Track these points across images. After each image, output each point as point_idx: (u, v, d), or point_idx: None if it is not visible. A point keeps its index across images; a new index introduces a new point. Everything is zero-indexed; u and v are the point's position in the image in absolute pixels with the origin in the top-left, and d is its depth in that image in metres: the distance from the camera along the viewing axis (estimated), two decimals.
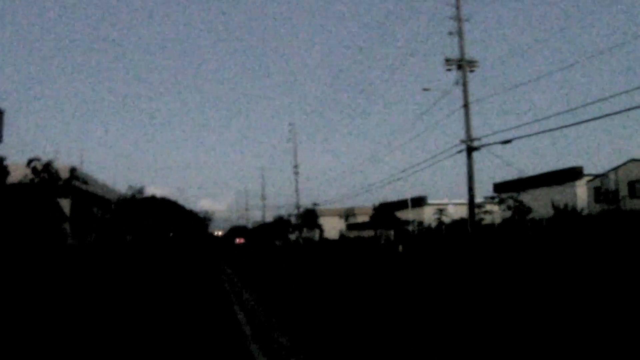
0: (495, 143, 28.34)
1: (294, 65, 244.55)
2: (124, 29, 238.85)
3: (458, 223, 42.38)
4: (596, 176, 48.90)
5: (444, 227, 47.27)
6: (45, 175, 31.73)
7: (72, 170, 34.88)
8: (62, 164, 47.11)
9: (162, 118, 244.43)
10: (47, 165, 32.47)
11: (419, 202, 71.08)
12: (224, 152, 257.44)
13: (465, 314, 10.57)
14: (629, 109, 19.00)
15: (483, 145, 29.39)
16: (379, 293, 14.49)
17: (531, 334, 8.23)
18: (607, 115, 20.24)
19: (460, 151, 30.08)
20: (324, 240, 73.08)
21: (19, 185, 30.49)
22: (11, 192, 28.57)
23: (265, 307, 11.78)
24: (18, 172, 32.07)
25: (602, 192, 46.30)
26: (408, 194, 69.57)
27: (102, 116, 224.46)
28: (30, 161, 32.16)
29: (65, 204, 44.20)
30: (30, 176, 31.69)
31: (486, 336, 8.23)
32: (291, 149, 76.50)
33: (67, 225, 43.89)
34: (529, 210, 35.63)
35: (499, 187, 55.01)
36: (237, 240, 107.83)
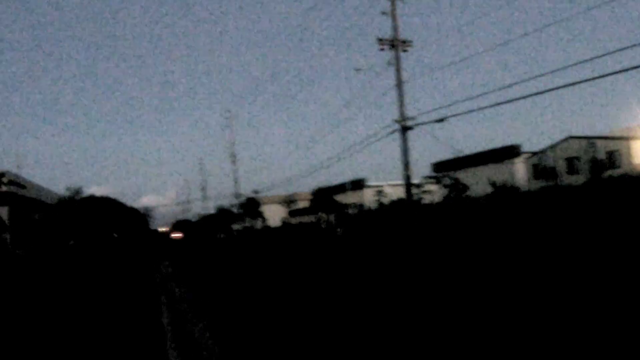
0: (429, 122, 28.00)
1: (226, 51, 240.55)
2: (42, 25, 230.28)
3: (397, 203, 42.04)
4: (534, 153, 49.46)
5: (383, 209, 46.92)
6: None
7: (1, 175, 32.59)
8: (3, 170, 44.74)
9: (99, 116, 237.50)
10: None
11: (358, 185, 70.74)
12: (163, 146, 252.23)
13: (392, 285, 9.96)
14: (561, 87, 18.69)
15: (417, 124, 29.08)
16: (310, 270, 13.81)
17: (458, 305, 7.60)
18: (539, 92, 19.98)
19: (394, 131, 29.64)
20: (266, 229, 72.10)
21: None
22: None
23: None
24: None
25: (540, 169, 46.89)
26: (347, 177, 69.26)
27: (35, 119, 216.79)
28: None
29: (3, 211, 42.05)
30: None
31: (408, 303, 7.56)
32: (229, 137, 75.01)
33: (7, 235, 41.63)
34: (465, 188, 35.50)
35: (438, 167, 54.93)
36: (174, 236, 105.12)
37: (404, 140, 29.45)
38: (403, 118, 29.34)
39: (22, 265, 32.40)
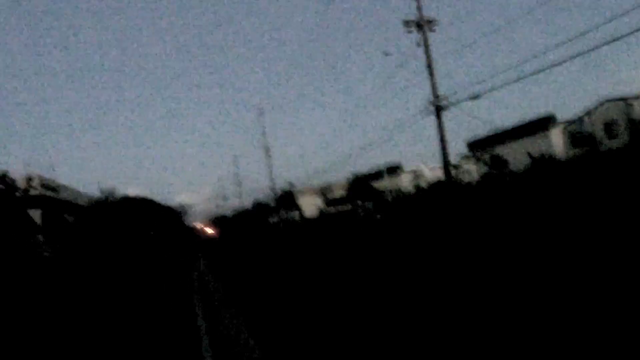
0: (463, 100, 27.58)
1: (255, 44, 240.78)
2: (71, 29, 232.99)
3: (435, 186, 41.58)
4: (571, 122, 48.35)
5: (421, 192, 46.49)
6: (1, 187, 29.99)
7: (29, 179, 32.88)
8: (34, 173, 45.30)
9: (133, 118, 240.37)
10: (3, 177, 30.59)
11: (394, 170, 70.19)
12: (197, 143, 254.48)
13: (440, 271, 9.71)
14: (589, 51, 18.11)
15: (451, 104, 28.65)
16: (350, 259, 13.61)
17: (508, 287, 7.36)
18: (572, 58, 19.39)
19: (428, 112, 29.26)
20: (304, 220, 72.09)
21: None
22: None
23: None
24: None
25: (578, 136, 45.78)
26: (382, 164, 68.79)
27: (68, 121, 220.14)
28: None
29: (35, 214, 42.63)
30: None
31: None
32: (261, 133, 75.06)
33: (40, 237, 42.19)
34: (505, 163, 34.92)
35: (474, 145, 54.11)
36: (209, 232, 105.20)
37: (439, 121, 29.07)
38: (436, 98, 28.94)
39: (52, 267, 32.91)
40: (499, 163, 34.59)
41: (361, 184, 57.52)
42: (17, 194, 30.82)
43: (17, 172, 41.83)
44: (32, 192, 39.94)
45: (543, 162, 33.54)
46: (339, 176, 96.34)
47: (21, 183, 32.16)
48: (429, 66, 29.81)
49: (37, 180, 44.67)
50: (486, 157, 35.68)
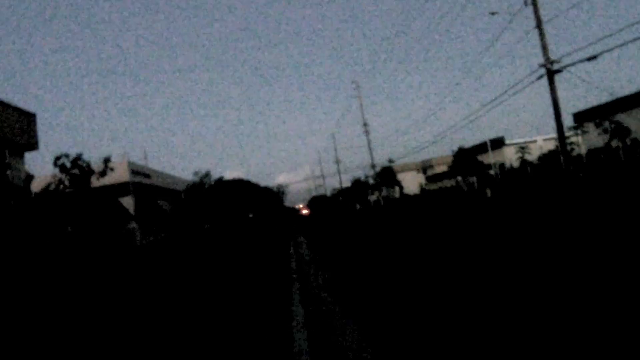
0: (579, 62, 24.60)
1: (347, 21, 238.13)
2: (160, 24, 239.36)
3: (544, 159, 38.32)
4: None
5: (528, 166, 43.21)
6: (76, 171, 29.36)
7: (106, 161, 31.58)
8: (127, 160, 45.89)
9: (225, 101, 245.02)
10: (76, 160, 29.92)
11: (497, 143, 66.33)
12: (294, 124, 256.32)
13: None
14: None
15: (565, 67, 25.69)
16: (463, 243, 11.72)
17: None
18: None
19: (539, 77, 26.40)
20: (404, 197, 69.92)
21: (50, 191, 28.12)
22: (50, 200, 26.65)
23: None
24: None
25: None
26: (485, 137, 65.45)
27: (163, 111, 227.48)
28: (57, 158, 29.44)
29: (128, 201, 43.03)
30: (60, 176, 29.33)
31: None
32: (358, 109, 73.20)
33: (133, 224, 42.58)
34: (627, 131, 31.22)
35: (582, 116, 49.07)
36: (305, 212, 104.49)
37: (552, 86, 26.17)
38: (549, 61, 26.01)
39: (147, 254, 32.26)
40: (621, 131, 30.99)
41: (465, 159, 54.58)
42: (94, 178, 30.21)
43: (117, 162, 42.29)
44: (122, 178, 39.83)
45: None
46: (439, 151, 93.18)
47: (97, 166, 31.06)
48: (539, 26, 26.90)
49: (126, 166, 44.87)
50: (606, 124, 32.06)
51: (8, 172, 22.85)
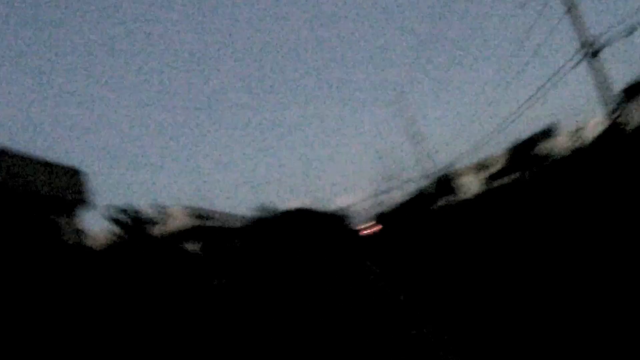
0: (621, 36, 23.66)
1: (381, 33, 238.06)
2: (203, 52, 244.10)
3: (596, 144, 36.72)
4: None
5: (582, 153, 41.53)
6: (126, 221, 29.41)
7: (159, 208, 31.61)
8: (182, 205, 46.51)
9: (276, 130, 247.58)
10: (125, 211, 29.78)
11: (548, 133, 64.43)
12: (344, 145, 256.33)
13: None
14: None
15: (607, 44, 24.76)
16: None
17: None
18: None
19: (580, 60, 25.51)
20: (461, 202, 68.50)
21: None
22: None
23: None
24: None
25: None
26: (536, 127, 63.71)
27: (216, 146, 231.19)
28: (107, 211, 29.11)
29: (194, 247, 43.44)
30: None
31: None
32: (406, 120, 72.49)
33: (201, 268, 42.75)
34: None
35: (633, 90, 46.37)
36: (370, 231, 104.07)
37: (596, 66, 25.25)
38: (588, 41, 25.15)
39: (225, 293, 32.24)
40: None
41: (519, 153, 53.15)
42: (147, 226, 30.33)
43: (174, 208, 42.83)
44: (185, 224, 40.11)
45: None
46: (493, 150, 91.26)
47: (147, 213, 31.06)
48: (571, 9, 26.11)
49: (186, 211, 45.30)
50: None
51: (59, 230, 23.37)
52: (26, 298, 18.30)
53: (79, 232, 26.28)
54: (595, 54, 24.99)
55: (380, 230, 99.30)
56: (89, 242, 27.29)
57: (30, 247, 20.28)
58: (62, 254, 21.84)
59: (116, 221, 29.65)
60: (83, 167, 27.70)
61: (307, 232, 63.83)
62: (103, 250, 27.64)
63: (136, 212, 30.26)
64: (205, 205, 56.22)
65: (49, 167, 24.76)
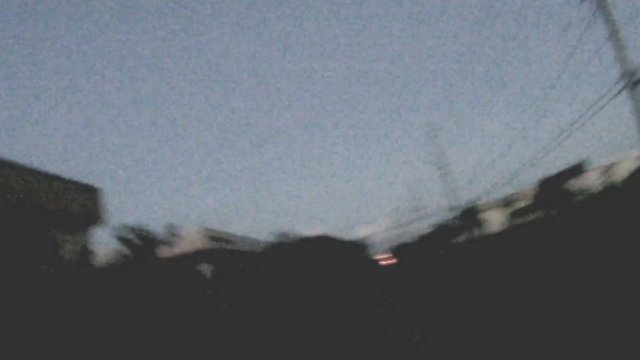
0: None
1: (410, 65, 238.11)
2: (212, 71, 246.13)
3: (629, 181, 34.97)
4: None
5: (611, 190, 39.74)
6: (136, 241, 28.43)
7: (171, 229, 30.61)
8: (205, 226, 45.52)
9: (300, 158, 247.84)
10: (135, 230, 28.88)
11: (579, 169, 62.54)
12: (369, 175, 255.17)
13: None
14: None
15: None
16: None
17: None
18: None
19: (620, 90, 23.93)
20: (485, 238, 66.56)
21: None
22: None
23: None
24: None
25: None
26: (567, 163, 61.74)
27: (234, 171, 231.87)
28: (116, 230, 28.23)
29: (205, 269, 42.34)
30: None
31: None
32: (434, 152, 70.91)
33: (209, 291, 41.64)
34: None
35: None
36: (390, 262, 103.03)
37: (635, 96, 23.66)
38: (629, 69, 23.59)
39: (230, 318, 31.09)
40: None
41: (549, 189, 51.18)
42: (156, 246, 29.26)
43: (188, 229, 41.77)
44: (199, 246, 39.00)
45: None
46: (521, 185, 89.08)
47: (158, 233, 30.04)
48: (613, 34, 24.60)
49: (202, 232, 44.29)
50: None
51: (62, 249, 22.33)
52: (12, 310, 17.18)
53: (83, 249, 25.21)
54: (636, 84, 23.45)
55: (398, 262, 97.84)
56: (94, 261, 26.20)
57: (21, 261, 19.16)
58: (56, 270, 20.72)
59: (124, 240, 28.69)
60: (110, 188, 26.79)
61: (325, 260, 62.34)
62: (103, 268, 26.51)
63: (146, 232, 29.28)
64: (227, 229, 55.07)
65: (62, 183, 23.78)
